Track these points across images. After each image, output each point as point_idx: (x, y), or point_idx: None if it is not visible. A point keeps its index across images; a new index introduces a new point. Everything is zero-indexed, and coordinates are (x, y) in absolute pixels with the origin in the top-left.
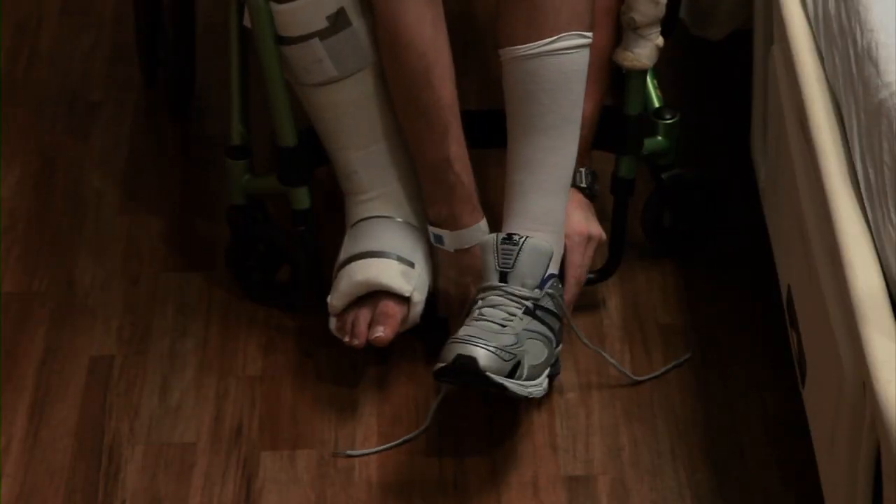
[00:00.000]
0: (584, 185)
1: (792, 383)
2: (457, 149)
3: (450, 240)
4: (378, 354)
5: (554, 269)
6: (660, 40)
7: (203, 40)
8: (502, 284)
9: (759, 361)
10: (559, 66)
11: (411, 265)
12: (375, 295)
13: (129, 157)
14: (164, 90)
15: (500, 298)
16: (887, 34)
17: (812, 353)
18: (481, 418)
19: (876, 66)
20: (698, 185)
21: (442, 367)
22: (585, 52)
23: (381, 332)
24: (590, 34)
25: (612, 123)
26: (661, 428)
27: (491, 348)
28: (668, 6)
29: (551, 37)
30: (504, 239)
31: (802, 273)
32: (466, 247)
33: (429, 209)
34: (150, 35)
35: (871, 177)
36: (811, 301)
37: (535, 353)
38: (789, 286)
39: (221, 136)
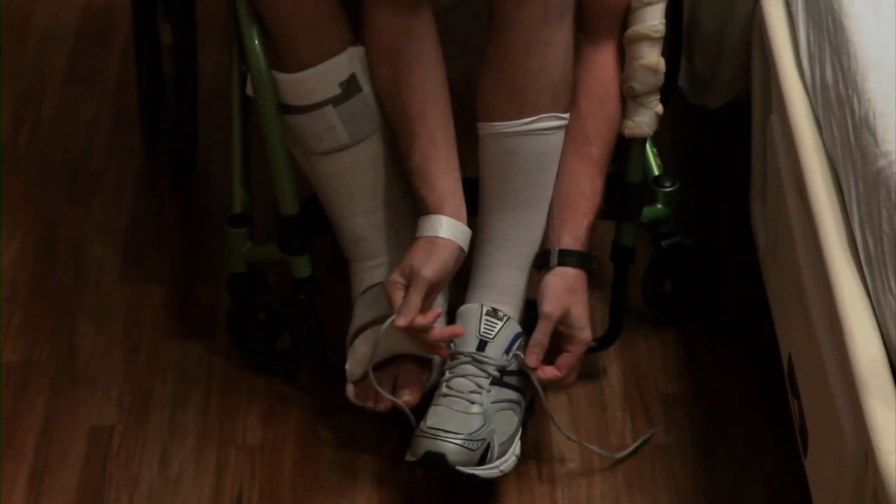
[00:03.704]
0: (587, 267)
1: (794, 453)
2: (420, 160)
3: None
4: (379, 422)
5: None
6: (659, 108)
7: (205, 108)
8: (476, 353)
9: (760, 430)
10: (536, 146)
11: None
12: (396, 359)
13: (130, 226)
14: (166, 159)
15: (472, 368)
16: (885, 104)
17: (814, 422)
18: (481, 489)
19: (874, 135)
20: (698, 252)
21: (412, 462)
22: (561, 133)
23: (409, 397)
24: (566, 115)
25: (612, 191)
26: (662, 498)
27: (458, 441)
28: (667, 75)
29: (531, 117)
30: (490, 311)
31: (803, 342)
32: (416, 236)
33: None
34: (153, 104)
35: (871, 246)
36: (812, 370)
37: (504, 427)
38: (790, 355)
39: (222, 203)
